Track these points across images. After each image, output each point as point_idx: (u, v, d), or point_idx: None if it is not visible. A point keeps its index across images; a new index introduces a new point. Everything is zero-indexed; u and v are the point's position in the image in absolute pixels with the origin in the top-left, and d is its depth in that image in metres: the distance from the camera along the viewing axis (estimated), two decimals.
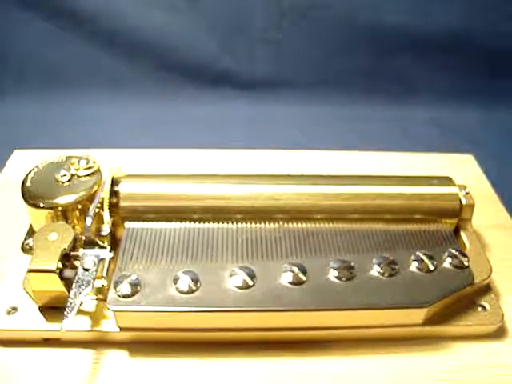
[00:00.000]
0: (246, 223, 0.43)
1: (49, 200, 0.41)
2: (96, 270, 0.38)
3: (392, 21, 0.89)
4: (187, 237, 0.41)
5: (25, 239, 0.44)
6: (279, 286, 0.38)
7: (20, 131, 0.83)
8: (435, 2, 0.88)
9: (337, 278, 0.39)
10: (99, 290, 0.39)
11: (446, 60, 0.92)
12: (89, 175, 0.43)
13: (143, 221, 0.42)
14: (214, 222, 0.42)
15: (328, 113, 0.91)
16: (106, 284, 0.38)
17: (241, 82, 0.93)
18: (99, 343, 0.38)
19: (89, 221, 0.39)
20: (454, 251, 0.41)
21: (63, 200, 0.41)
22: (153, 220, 0.42)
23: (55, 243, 0.37)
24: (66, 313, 0.35)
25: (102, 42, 0.89)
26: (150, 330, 0.38)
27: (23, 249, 0.43)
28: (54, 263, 0.36)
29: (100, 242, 0.40)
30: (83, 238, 0.39)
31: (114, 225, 0.42)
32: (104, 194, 0.42)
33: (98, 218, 0.42)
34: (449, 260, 0.40)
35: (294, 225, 0.43)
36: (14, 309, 0.38)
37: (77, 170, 0.43)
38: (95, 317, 0.38)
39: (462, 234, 0.44)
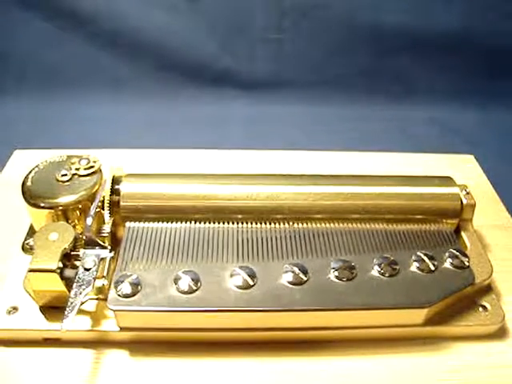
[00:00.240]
0: (247, 223, 0.43)
1: (49, 200, 0.41)
2: (96, 270, 0.38)
3: (392, 21, 0.89)
4: (188, 237, 0.41)
5: (25, 239, 0.44)
6: (280, 286, 0.38)
7: (20, 131, 0.83)
8: (435, 2, 0.88)
9: (337, 278, 0.39)
10: (100, 290, 0.39)
11: (446, 60, 0.92)
12: (89, 175, 0.43)
13: (144, 220, 0.42)
14: (214, 222, 0.42)
15: (328, 113, 0.91)
16: (106, 284, 0.38)
17: (241, 81, 0.93)
18: (100, 343, 0.38)
19: (89, 220, 0.39)
20: (454, 251, 0.41)
21: (64, 200, 0.41)
22: (153, 220, 0.42)
23: (56, 243, 0.37)
24: (66, 312, 0.35)
25: (102, 42, 0.89)
26: (151, 330, 0.38)
27: (24, 248, 0.43)
28: (55, 263, 0.36)
29: (100, 242, 0.40)
30: (84, 237, 0.39)
31: (114, 224, 0.42)
32: (105, 193, 0.42)
33: (99, 218, 0.42)
34: (449, 260, 0.40)
35: (295, 225, 0.43)
36: (15, 308, 0.38)
37: (77, 169, 0.43)
38: (96, 316, 0.38)
39: (463, 234, 0.44)
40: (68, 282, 0.37)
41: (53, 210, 0.41)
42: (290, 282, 0.38)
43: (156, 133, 0.84)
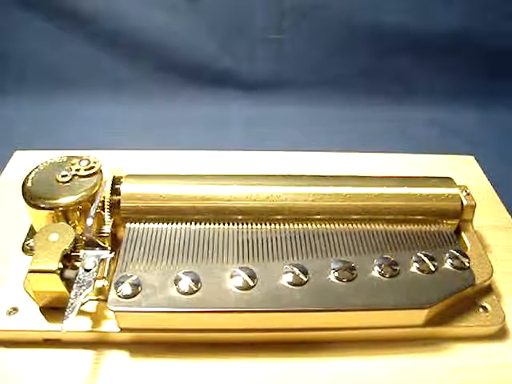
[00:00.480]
0: (247, 224, 0.43)
1: (50, 200, 0.41)
2: (97, 271, 0.38)
3: (392, 21, 0.89)
4: (188, 237, 0.41)
5: (25, 240, 0.44)
6: (280, 286, 0.38)
7: (20, 132, 0.83)
8: (435, 3, 0.88)
9: (338, 278, 0.39)
10: (100, 291, 0.39)
11: (446, 60, 0.92)
12: (90, 176, 0.43)
13: (144, 221, 0.42)
14: (214, 223, 0.42)
15: (328, 113, 0.91)
16: (106, 284, 0.38)
17: (241, 82, 0.93)
18: (100, 344, 0.38)
19: (90, 221, 0.39)
20: (455, 252, 0.41)
21: (64, 200, 0.41)
22: (154, 221, 0.42)
23: (56, 244, 0.37)
24: (66, 313, 0.35)
25: (102, 42, 0.89)
26: (151, 331, 0.38)
27: (24, 249, 0.43)
28: (55, 264, 0.36)
29: (101, 243, 0.40)
30: (84, 238, 0.39)
31: (114, 225, 0.42)
32: (105, 194, 0.42)
33: (99, 219, 0.41)
34: (450, 261, 0.40)
35: (295, 226, 0.43)
36: (15, 309, 0.38)
37: (78, 170, 0.43)
38: (96, 317, 0.38)
39: (463, 234, 0.44)
40: (68, 283, 0.37)
41: (53, 211, 0.41)
42: (290, 283, 0.38)
43: (156, 133, 0.84)
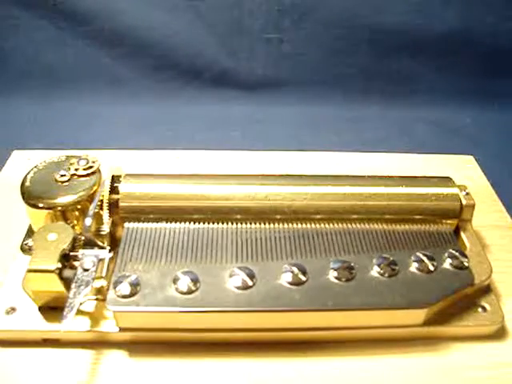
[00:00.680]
0: (246, 224, 0.43)
1: (48, 200, 0.41)
2: (95, 271, 0.38)
3: (392, 21, 0.89)
4: (187, 237, 0.41)
5: (24, 239, 0.44)
6: (279, 286, 0.38)
7: (19, 131, 0.83)
8: (435, 3, 0.88)
9: (337, 278, 0.38)
10: (98, 291, 0.39)
11: (445, 60, 0.92)
12: (88, 175, 0.43)
13: (143, 221, 0.42)
14: (213, 223, 0.42)
15: (328, 113, 0.91)
16: (105, 284, 0.38)
17: (241, 82, 0.93)
18: (99, 343, 0.38)
19: (88, 221, 0.39)
20: (454, 252, 0.41)
21: (63, 200, 0.41)
22: (152, 220, 0.42)
23: (54, 243, 0.37)
24: (65, 313, 0.35)
25: (102, 42, 0.89)
26: (150, 331, 0.37)
27: (22, 249, 0.43)
28: (54, 263, 0.36)
29: (99, 242, 0.40)
30: (82, 238, 0.39)
31: (113, 225, 0.42)
32: (104, 193, 0.42)
33: (98, 218, 0.41)
34: (449, 261, 0.40)
35: (294, 225, 0.43)
36: (13, 309, 0.38)
37: (76, 169, 0.43)
38: (94, 317, 0.38)
39: (462, 234, 0.44)
40: (67, 283, 0.37)
41: (51, 211, 0.41)
42: (289, 283, 0.38)
43: (155, 133, 0.84)
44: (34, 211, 0.41)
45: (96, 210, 0.41)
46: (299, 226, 0.43)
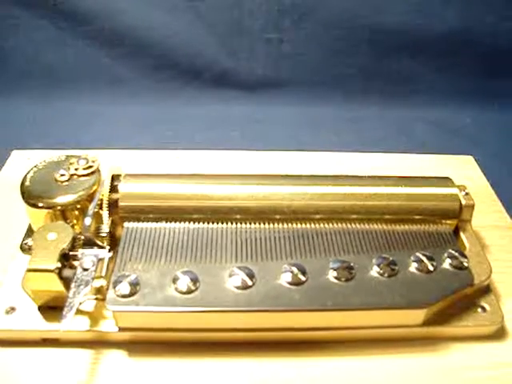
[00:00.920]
0: (246, 223, 0.42)
1: (48, 200, 0.41)
2: (95, 270, 0.38)
3: (392, 21, 0.89)
4: (186, 237, 0.41)
5: (24, 239, 0.44)
6: (278, 286, 0.38)
7: (19, 131, 0.83)
8: (435, 3, 0.88)
9: (336, 278, 0.38)
10: (98, 290, 0.39)
11: (445, 60, 0.92)
12: (88, 175, 0.43)
13: (142, 220, 0.42)
14: (213, 223, 0.42)
15: (327, 113, 0.91)
16: (104, 284, 0.38)
17: (241, 82, 0.93)
18: (98, 343, 0.38)
19: (88, 220, 0.39)
20: (453, 252, 0.41)
21: (62, 200, 0.41)
22: (152, 220, 0.42)
23: (54, 243, 0.37)
24: (64, 313, 0.35)
25: (102, 42, 0.89)
26: (149, 330, 0.37)
27: (22, 248, 0.43)
28: (53, 263, 0.36)
29: (99, 242, 0.39)
30: (82, 237, 0.39)
31: (113, 224, 0.42)
32: (103, 193, 0.42)
33: (97, 218, 0.41)
34: (448, 261, 0.40)
35: (294, 225, 0.43)
36: (13, 308, 0.38)
37: (76, 169, 0.43)
38: (94, 317, 0.38)
39: (462, 234, 0.44)
40: (66, 282, 0.37)
41: (51, 210, 0.41)
42: (288, 283, 0.38)
43: (155, 133, 0.84)
44: (34, 211, 0.41)
45: (96, 210, 0.41)
46: (299, 225, 0.43)
